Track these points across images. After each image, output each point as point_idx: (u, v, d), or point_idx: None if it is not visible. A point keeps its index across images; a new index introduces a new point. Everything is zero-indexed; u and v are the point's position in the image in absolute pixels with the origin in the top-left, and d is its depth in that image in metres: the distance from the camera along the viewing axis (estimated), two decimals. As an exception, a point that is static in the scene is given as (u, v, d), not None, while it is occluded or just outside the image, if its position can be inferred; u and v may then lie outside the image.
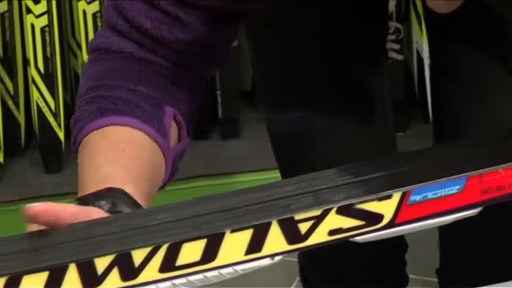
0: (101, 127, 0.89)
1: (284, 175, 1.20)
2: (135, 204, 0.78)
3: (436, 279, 1.21)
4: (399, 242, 1.24)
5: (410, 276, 1.28)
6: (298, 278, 1.98)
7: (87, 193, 0.80)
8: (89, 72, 0.97)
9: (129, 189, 0.79)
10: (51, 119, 2.33)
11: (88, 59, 0.98)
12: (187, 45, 0.95)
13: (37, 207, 0.70)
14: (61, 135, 2.34)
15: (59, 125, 2.34)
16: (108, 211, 0.76)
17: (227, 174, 2.36)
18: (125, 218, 0.72)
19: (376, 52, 1.20)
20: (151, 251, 0.67)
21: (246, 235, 0.68)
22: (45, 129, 2.35)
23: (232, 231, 0.68)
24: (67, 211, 0.71)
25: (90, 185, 0.81)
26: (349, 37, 1.14)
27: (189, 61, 0.97)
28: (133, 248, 0.66)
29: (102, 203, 0.77)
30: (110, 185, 0.79)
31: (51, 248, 0.67)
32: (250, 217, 0.69)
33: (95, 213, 0.74)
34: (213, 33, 0.95)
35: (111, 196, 0.78)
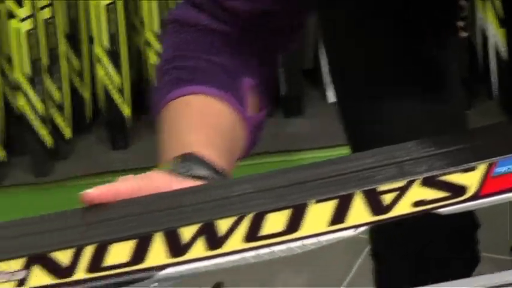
0: (181, 96, 0.90)
1: (356, 150, 1.20)
2: (216, 171, 0.79)
3: (508, 257, 1.19)
4: (472, 218, 1.22)
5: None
6: (365, 252, 1.98)
7: (167, 159, 0.80)
8: (166, 44, 0.98)
9: (210, 156, 0.80)
10: (116, 95, 2.34)
11: (164, 30, 1.00)
12: (259, 16, 0.95)
13: (91, 194, 0.71)
14: (127, 111, 2.35)
15: (125, 102, 2.35)
16: (188, 176, 0.76)
17: (291, 152, 2.35)
18: (208, 189, 0.71)
19: (448, 28, 1.19)
20: (236, 221, 0.66)
21: (330, 206, 0.68)
22: (111, 106, 2.36)
23: (317, 201, 0.67)
24: (122, 191, 0.72)
25: (172, 152, 0.82)
26: (422, 12, 1.13)
27: (261, 33, 0.97)
28: (219, 218, 0.66)
29: (183, 169, 0.77)
30: (189, 151, 0.80)
31: (137, 217, 0.67)
32: (334, 188, 0.68)
33: (158, 181, 0.74)
34: (282, 5, 0.96)
35: (193, 162, 0.78)
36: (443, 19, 1.18)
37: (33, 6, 2.22)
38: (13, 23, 2.21)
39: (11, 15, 2.21)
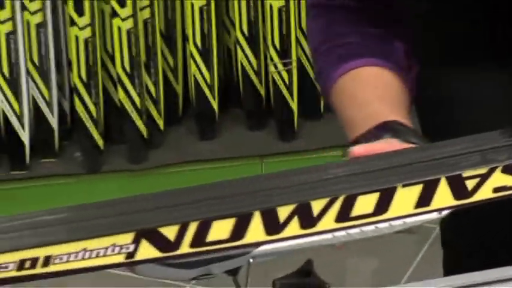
0: (347, 71, 0.92)
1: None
2: (415, 132, 0.82)
3: None
4: None
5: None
6: (430, 240, 1.98)
7: (363, 132, 0.84)
8: (314, 27, 1.01)
9: (406, 123, 0.84)
10: (206, 90, 2.38)
11: (309, 14, 1.03)
12: None
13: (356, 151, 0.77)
14: (215, 105, 2.39)
15: (214, 96, 2.38)
16: (406, 141, 0.81)
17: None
18: (306, 172, 0.72)
19: None
20: (329, 202, 0.68)
21: (416, 190, 0.69)
22: (200, 100, 2.40)
23: (404, 185, 0.69)
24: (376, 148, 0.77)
25: (362, 123, 0.85)
26: None
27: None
28: (313, 199, 0.68)
29: (387, 135, 0.81)
30: (383, 120, 0.84)
31: (238, 197, 0.69)
32: (420, 173, 0.70)
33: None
34: None
35: (393, 128, 0.81)
36: None
37: (134, 7, 2.26)
38: (116, 22, 2.26)
39: (114, 15, 2.26)
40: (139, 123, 2.32)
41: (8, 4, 2.23)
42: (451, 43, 1.13)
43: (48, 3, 2.28)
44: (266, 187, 0.70)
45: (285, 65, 2.37)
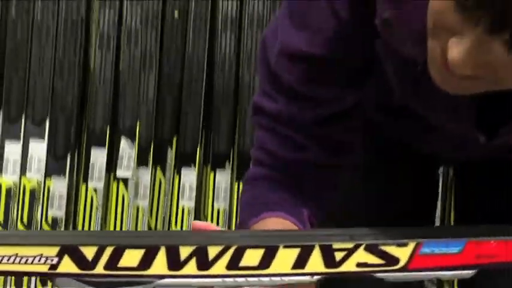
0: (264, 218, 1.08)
1: None
2: None
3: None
4: None
5: None
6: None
7: None
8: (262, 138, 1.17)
9: None
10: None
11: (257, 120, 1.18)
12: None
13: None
14: None
15: None
16: None
17: None
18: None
19: None
20: (222, 249, 0.80)
21: (295, 252, 0.81)
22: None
23: (285, 246, 0.81)
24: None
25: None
26: None
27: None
28: (210, 244, 0.80)
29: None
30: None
31: (150, 234, 0.80)
32: (299, 238, 0.82)
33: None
34: None
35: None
36: None
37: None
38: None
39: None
40: None
41: None
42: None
43: None
44: (174, 233, 0.81)
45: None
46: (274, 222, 1.05)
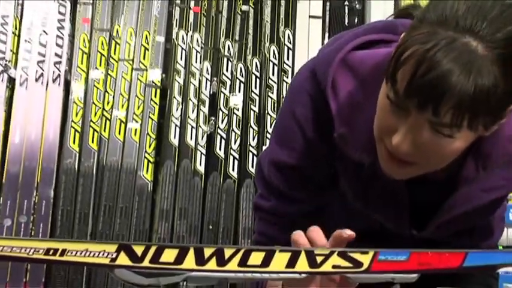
0: None
1: None
2: None
3: None
4: None
5: None
6: None
7: None
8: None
9: None
10: None
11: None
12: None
13: None
14: None
15: None
16: None
17: None
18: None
19: None
20: (235, 251, 1.02)
21: (287, 255, 1.04)
22: None
23: (280, 251, 1.04)
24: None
25: None
26: None
27: None
28: (226, 248, 1.02)
29: None
30: None
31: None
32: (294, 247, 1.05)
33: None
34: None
35: None
36: None
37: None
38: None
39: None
40: None
41: None
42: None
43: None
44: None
45: None
46: None
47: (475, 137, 1.18)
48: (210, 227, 2.66)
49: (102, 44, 2.85)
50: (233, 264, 1.02)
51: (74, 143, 2.72)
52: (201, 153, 2.78)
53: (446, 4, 1.11)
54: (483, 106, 1.10)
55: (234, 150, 2.81)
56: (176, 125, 2.80)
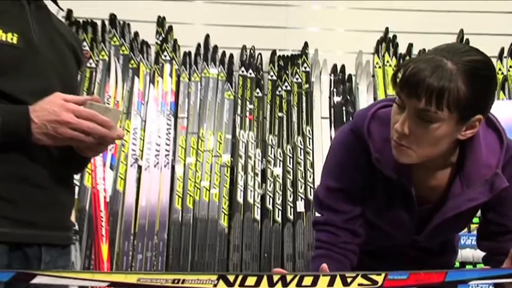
0: None
1: None
2: None
3: None
4: None
5: None
6: None
7: None
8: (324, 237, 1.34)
9: None
10: None
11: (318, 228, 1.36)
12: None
13: None
14: None
15: None
16: None
17: None
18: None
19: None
20: (299, 277, 0.96)
21: (327, 278, 0.97)
22: None
23: (323, 275, 0.97)
24: None
25: None
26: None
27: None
28: (287, 274, 0.96)
29: None
30: None
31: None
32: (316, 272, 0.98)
33: None
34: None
35: None
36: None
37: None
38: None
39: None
40: None
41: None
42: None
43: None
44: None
45: None
46: None
47: (453, 132, 1.16)
48: (265, 255, 2.61)
49: (193, 141, 2.86)
50: (293, 285, 0.96)
51: (178, 204, 2.72)
52: (257, 207, 2.76)
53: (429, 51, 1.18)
54: (447, 97, 1.11)
55: (278, 205, 2.78)
56: (241, 190, 2.78)
